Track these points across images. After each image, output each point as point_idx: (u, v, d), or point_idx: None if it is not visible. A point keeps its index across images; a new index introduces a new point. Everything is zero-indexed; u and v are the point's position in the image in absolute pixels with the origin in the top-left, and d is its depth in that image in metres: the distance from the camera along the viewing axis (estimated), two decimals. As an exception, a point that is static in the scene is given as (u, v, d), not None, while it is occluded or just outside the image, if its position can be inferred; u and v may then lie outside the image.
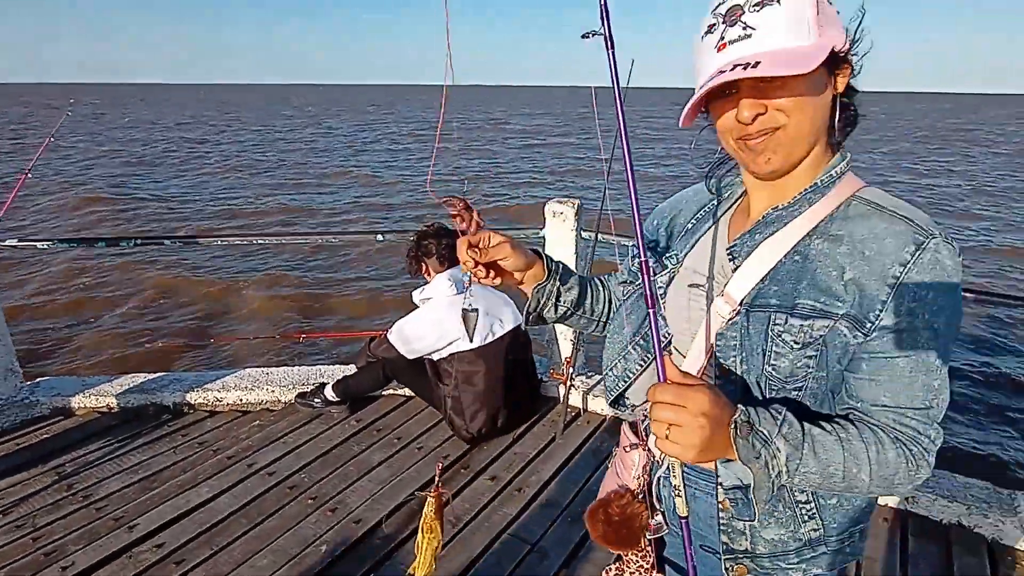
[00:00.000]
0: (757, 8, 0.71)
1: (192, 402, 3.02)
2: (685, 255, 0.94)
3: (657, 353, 0.71)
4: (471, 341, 0.97)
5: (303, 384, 3.06)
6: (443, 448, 2.68)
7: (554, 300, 1.00)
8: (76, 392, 2.98)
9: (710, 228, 0.93)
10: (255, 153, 21.66)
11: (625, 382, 1.00)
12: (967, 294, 2.17)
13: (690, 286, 0.91)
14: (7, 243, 2.90)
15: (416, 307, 2.71)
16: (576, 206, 2.75)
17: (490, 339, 2.60)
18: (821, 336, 0.75)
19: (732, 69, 0.70)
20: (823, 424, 0.74)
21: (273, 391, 3.05)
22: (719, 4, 0.75)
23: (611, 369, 1.04)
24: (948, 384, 0.75)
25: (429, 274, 2.67)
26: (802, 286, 0.76)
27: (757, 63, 0.69)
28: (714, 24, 0.75)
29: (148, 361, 4.98)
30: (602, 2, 0.69)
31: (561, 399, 2.84)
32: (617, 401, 1.07)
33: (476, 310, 0.94)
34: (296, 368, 3.23)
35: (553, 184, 15.91)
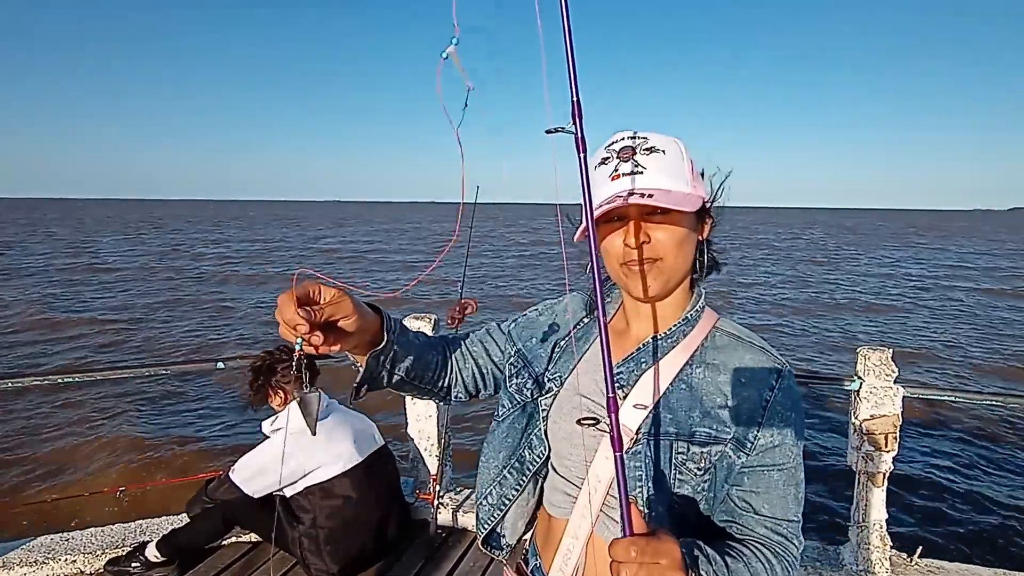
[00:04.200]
0: (647, 152, 0.82)
1: (-48, 593, 2.34)
2: (567, 376, 0.93)
3: (623, 502, 0.67)
4: (314, 433, 0.73)
5: (117, 547, 2.54)
6: (298, 599, 2.35)
7: (389, 367, 0.88)
8: None
9: (589, 349, 0.94)
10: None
11: (501, 510, 0.97)
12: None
13: (574, 409, 0.89)
14: None
15: (263, 440, 2.47)
16: (433, 321, 2.80)
17: (352, 463, 2.43)
18: (716, 460, 0.81)
19: (629, 195, 0.78)
20: (729, 552, 0.78)
21: (74, 560, 2.48)
22: (613, 142, 0.85)
23: (485, 497, 0.99)
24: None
25: (284, 403, 2.47)
26: (695, 414, 0.82)
27: (651, 195, 0.78)
28: (608, 158, 0.84)
29: None
30: (573, 99, 0.69)
31: (431, 520, 2.70)
32: (489, 538, 1.00)
33: (318, 390, 0.76)
34: (108, 528, 2.68)
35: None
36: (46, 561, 2.47)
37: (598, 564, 0.87)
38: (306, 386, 0.73)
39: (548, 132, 0.69)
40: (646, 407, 0.84)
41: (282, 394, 2.48)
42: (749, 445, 0.81)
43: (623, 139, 0.85)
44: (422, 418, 2.85)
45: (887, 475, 2.34)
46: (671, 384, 0.85)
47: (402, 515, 2.70)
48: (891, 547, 2.41)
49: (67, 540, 2.61)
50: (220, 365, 2.60)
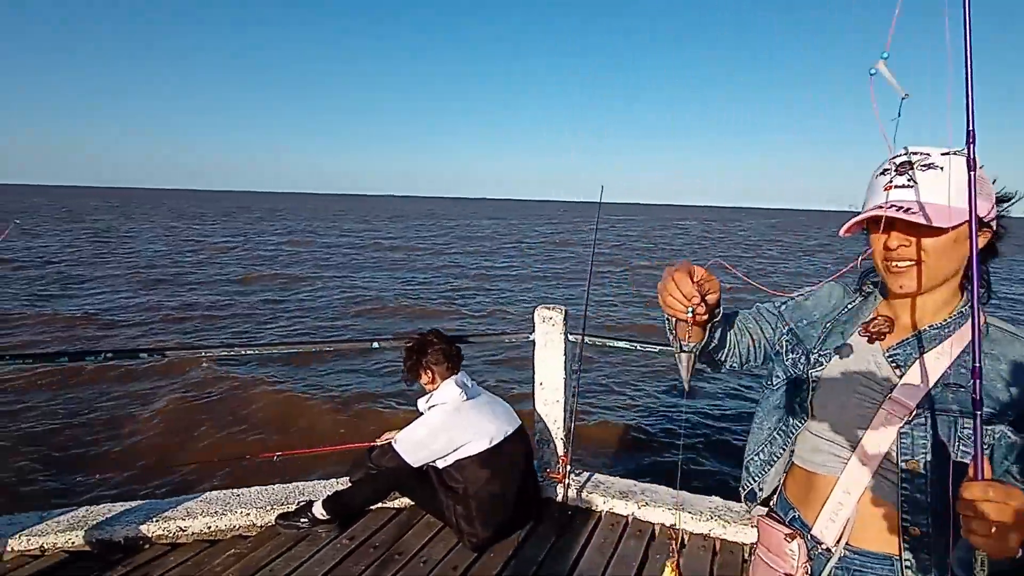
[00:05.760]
0: (924, 168, 0.92)
1: (149, 535, 2.67)
2: (835, 352, 1.05)
3: (978, 450, 0.76)
4: (687, 389, 0.92)
5: (283, 504, 2.84)
6: (449, 559, 2.60)
7: (710, 337, 1.05)
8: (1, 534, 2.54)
9: (857, 329, 1.07)
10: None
11: (770, 465, 1.14)
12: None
13: (849, 383, 1.01)
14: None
15: (420, 415, 2.73)
16: (564, 312, 3.01)
17: (497, 440, 2.67)
18: (997, 438, 0.90)
19: (889, 207, 0.91)
20: None
21: (248, 514, 2.79)
22: (896, 156, 0.95)
23: (757, 454, 1.17)
24: None
25: (433, 382, 2.72)
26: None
27: (909, 208, 0.89)
28: (888, 169, 0.96)
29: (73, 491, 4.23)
30: (970, 128, 0.77)
31: (557, 498, 2.91)
32: (749, 494, 1.17)
33: (692, 352, 0.94)
34: (273, 487, 2.99)
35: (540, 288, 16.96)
36: (224, 513, 2.78)
37: (867, 515, 1.02)
38: (683, 348, 0.95)
39: (943, 155, 0.90)
40: (922, 386, 0.96)
41: (430, 373, 2.73)
42: None
43: (905, 154, 0.95)
44: (550, 403, 3.07)
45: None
46: (950, 367, 0.95)
47: (535, 491, 2.93)
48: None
49: (238, 496, 2.93)
50: (375, 345, 2.87)
